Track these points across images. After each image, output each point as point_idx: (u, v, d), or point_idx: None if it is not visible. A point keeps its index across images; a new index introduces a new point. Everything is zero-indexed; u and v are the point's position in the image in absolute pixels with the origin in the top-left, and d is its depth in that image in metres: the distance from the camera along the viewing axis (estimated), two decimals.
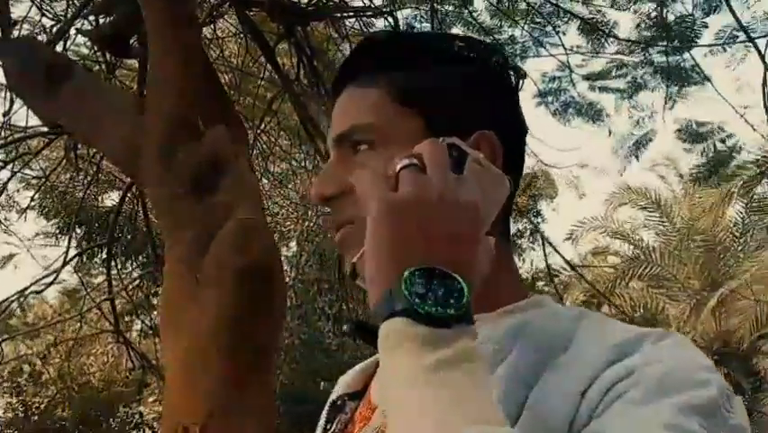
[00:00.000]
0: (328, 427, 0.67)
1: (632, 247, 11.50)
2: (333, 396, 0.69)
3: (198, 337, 1.82)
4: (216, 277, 1.90)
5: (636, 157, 5.27)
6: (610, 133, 4.70)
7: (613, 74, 4.10)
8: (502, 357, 0.54)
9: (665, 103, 4.16)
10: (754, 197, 8.93)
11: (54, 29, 3.55)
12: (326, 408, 0.68)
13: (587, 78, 4.13)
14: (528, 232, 10.04)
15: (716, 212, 9.95)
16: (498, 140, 0.61)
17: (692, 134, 4.49)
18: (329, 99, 4.14)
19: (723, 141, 4.53)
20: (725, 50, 3.88)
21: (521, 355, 0.53)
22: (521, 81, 0.67)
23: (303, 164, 5.32)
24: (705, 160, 4.86)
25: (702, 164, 4.70)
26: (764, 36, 2.94)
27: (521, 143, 0.66)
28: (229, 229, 1.98)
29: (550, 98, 4.46)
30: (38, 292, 4.88)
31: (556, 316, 0.58)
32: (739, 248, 10.24)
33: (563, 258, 2.83)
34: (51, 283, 4.77)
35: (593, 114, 4.47)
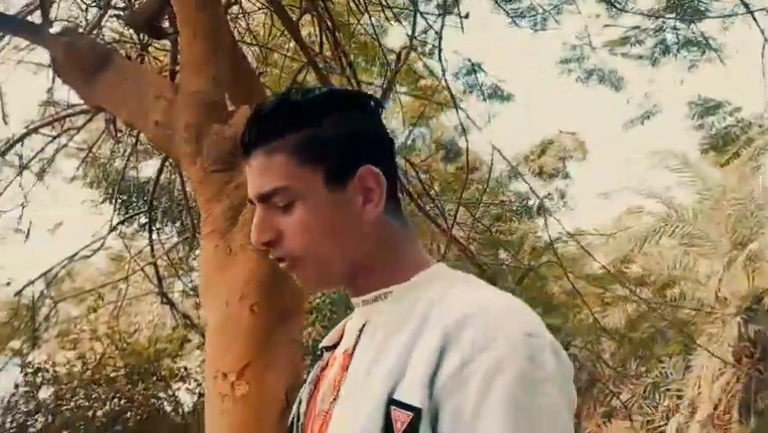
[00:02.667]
0: (309, 370, 0.87)
1: (665, 207, 11.44)
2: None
3: (232, 299, 2.06)
4: (246, 246, 2.12)
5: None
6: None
7: (630, 42, 4.15)
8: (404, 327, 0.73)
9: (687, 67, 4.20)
10: None
11: (90, 15, 3.76)
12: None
13: (605, 45, 4.19)
14: (555, 197, 10.03)
15: (743, 172, 9.82)
16: (377, 168, 0.77)
17: (704, 107, 4.50)
18: (351, 71, 4.30)
19: (735, 112, 4.55)
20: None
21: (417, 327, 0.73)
22: (380, 108, 0.82)
23: None
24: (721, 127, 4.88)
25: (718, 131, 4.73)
26: (762, 9, 2.96)
27: (392, 154, 0.82)
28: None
29: (572, 65, 4.54)
30: (87, 257, 5.25)
31: (426, 286, 0.77)
32: None
33: (566, 230, 2.98)
34: (99, 249, 5.12)
35: (615, 81, 4.53)
